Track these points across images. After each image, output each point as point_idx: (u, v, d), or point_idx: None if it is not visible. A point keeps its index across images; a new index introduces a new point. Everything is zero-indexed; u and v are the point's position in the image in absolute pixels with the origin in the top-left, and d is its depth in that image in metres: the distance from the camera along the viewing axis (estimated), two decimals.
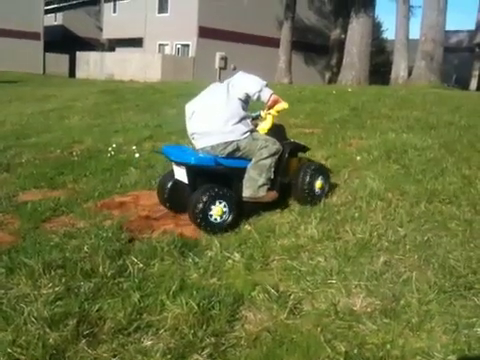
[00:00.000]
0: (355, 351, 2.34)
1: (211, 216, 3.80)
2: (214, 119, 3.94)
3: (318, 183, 4.30)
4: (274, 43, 24.69)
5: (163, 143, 7.13)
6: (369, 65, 20.16)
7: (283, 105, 4.20)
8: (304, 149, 4.60)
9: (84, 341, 2.44)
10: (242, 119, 3.99)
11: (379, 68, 27.74)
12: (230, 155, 3.98)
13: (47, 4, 37.61)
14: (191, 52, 27.71)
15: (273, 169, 4.02)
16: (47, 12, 38.69)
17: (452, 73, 26.65)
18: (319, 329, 2.51)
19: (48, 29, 36.70)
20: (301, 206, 4.22)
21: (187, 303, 2.69)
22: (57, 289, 2.92)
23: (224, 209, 3.84)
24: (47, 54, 35.44)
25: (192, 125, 4.10)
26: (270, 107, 4.22)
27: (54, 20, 42.70)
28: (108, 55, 32.01)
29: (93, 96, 14.18)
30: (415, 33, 25.21)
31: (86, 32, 39.69)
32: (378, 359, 2.28)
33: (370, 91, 12.41)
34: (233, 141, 3.94)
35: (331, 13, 27.06)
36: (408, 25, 19.89)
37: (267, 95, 4.06)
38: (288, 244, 3.50)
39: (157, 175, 5.52)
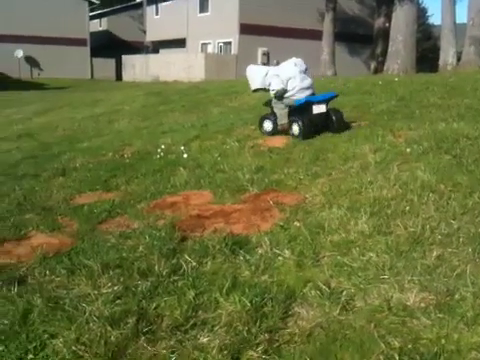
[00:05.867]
0: (409, 346, 2.33)
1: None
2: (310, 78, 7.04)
3: None
4: (317, 35, 24.42)
5: (210, 142, 7.25)
6: (415, 52, 19.58)
7: None
8: None
9: (144, 338, 2.54)
10: None
11: (426, 55, 26.94)
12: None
13: (92, 10, 38.68)
14: (233, 49, 27.84)
15: None
16: (92, 18, 39.81)
17: None
18: (372, 325, 2.52)
19: (94, 35, 37.80)
20: (350, 201, 4.20)
21: (240, 300, 2.75)
22: (116, 288, 3.05)
23: None
24: (94, 59, 36.51)
25: (306, 81, 6.89)
26: None
27: (99, 25, 43.88)
28: (152, 57, 32.64)
29: (140, 99, 14.52)
30: (463, 17, 24.28)
31: (130, 36, 40.55)
32: (433, 354, 2.26)
33: (418, 80, 12.07)
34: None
35: (374, 1, 26.46)
36: (454, 10, 19.14)
37: None
38: (338, 240, 3.50)
39: (205, 174, 5.63)
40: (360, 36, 28.87)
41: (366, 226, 3.62)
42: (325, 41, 22.71)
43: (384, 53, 21.14)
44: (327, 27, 22.59)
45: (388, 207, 3.96)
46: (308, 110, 6.72)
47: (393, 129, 6.47)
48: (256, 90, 7.21)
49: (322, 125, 6.83)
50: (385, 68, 19.80)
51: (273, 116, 7.14)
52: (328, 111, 6.90)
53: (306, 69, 7.04)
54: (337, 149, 5.89)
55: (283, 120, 6.97)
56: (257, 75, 7.02)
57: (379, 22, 23.99)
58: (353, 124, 7.26)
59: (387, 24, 21.80)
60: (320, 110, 6.77)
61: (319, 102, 6.79)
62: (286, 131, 6.98)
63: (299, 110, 6.78)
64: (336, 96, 7.16)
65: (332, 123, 6.86)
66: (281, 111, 6.98)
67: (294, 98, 6.80)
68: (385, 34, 21.65)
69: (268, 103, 7.31)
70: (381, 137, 6.12)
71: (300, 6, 27.22)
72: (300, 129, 6.67)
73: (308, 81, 6.89)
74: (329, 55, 22.60)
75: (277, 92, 6.81)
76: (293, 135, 6.81)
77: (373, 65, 24.76)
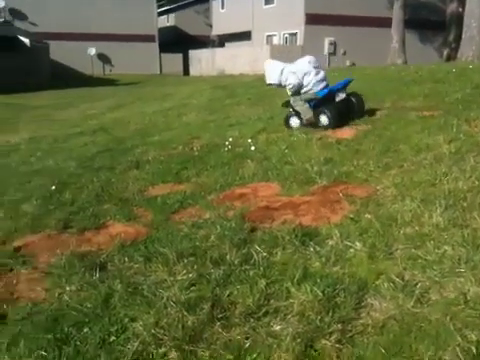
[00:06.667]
0: None
1: None
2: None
3: None
4: (385, 23, 23.69)
5: (277, 135, 7.29)
6: None
7: None
8: None
9: (219, 324, 2.64)
10: None
11: None
12: None
13: (159, 7, 39.61)
14: (299, 40, 27.59)
15: None
16: (160, 14, 40.79)
17: None
18: (448, 318, 2.47)
19: (162, 30, 38.72)
20: (423, 193, 4.09)
21: (312, 290, 2.79)
22: (190, 275, 3.17)
23: None
24: (162, 54, 37.40)
25: (320, 75, 7.20)
26: None
27: (167, 21, 44.88)
28: (218, 51, 32.97)
29: (207, 92, 14.76)
30: None
31: (197, 30, 41.16)
32: None
33: None
34: None
35: None
36: None
37: None
38: (412, 233, 3.43)
39: (273, 166, 5.66)
40: (432, 22, 27.70)
41: (441, 219, 3.52)
42: (395, 29, 22.02)
43: (457, 40, 20.22)
44: (397, 14, 21.87)
45: (464, 199, 3.83)
46: (332, 99, 7.15)
47: (468, 119, 6.21)
48: (270, 84, 7.61)
49: (345, 110, 7.20)
50: (459, 55, 18.93)
51: (297, 113, 7.40)
52: (348, 96, 7.32)
53: (319, 66, 7.42)
54: (409, 140, 5.74)
55: (308, 114, 7.21)
56: (274, 71, 7.35)
57: (452, 7, 22.96)
58: (425, 113, 7.03)
59: (460, 9, 20.83)
60: (341, 97, 7.21)
61: (339, 90, 7.23)
62: (313, 124, 7.19)
63: (323, 101, 7.12)
64: (351, 81, 7.58)
65: (353, 106, 7.34)
66: (302, 107, 7.24)
67: (311, 92, 7.17)
68: (458, 20, 20.69)
69: (287, 104, 7.60)
70: (456, 127, 5.89)
71: None
72: (329, 118, 7.01)
73: (322, 74, 7.26)
74: (399, 43, 21.90)
75: (294, 86, 7.14)
76: (322, 126, 7.06)
77: (446, 52, 23.77)
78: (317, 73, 7.23)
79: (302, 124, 7.35)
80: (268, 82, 7.54)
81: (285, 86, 7.32)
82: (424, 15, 28.23)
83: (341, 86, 7.33)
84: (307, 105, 7.23)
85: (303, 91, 7.22)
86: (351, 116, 7.20)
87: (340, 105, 7.19)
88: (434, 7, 28.80)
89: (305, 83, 7.16)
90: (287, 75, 7.19)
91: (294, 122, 7.46)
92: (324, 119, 7.08)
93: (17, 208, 5.07)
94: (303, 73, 7.15)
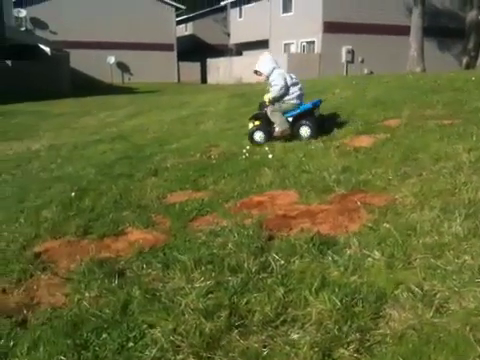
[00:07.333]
0: None
1: None
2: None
3: None
4: (404, 31, 23.61)
5: (294, 143, 7.29)
6: None
7: None
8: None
9: (236, 332, 2.64)
10: None
11: None
12: None
13: (178, 16, 40.03)
14: (317, 48, 27.62)
15: None
16: (178, 23, 41.20)
17: None
18: (468, 328, 2.44)
19: (180, 39, 39.11)
20: (443, 202, 4.06)
21: (330, 299, 2.78)
22: (208, 283, 3.18)
23: None
24: (180, 63, 37.77)
25: (302, 90, 7.51)
26: None
27: (185, 30, 45.29)
28: (236, 60, 33.17)
29: (224, 101, 14.82)
30: None
31: (214, 39, 41.48)
32: None
33: None
34: None
35: None
36: None
37: None
38: (431, 242, 3.40)
39: (290, 175, 5.67)
40: (451, 30, 27.52)
41: (460, 228, 3.48)
42: (413, 36, 21.90)
43: (477, 47, 20.11)
44: (415, 22, 21.75)
45: None
46: (312, 113, 7.55)
47: None
48: (256, 72, 7.60)
49: (321, 124, 7.66)
50: (478, 63, 18.80)
51: (263, 127, 7.55)
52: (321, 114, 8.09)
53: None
54: (428, 148, 5.70)
55: (284, 126, 7.39)
56: (266, 64, 7.51)
57: (471, 15, 22.77)
58: (444, 122, 6.97)
59: None
60: (317, 113, 7.76)
61: (317, 106, 7.76)
62: (287, 137, 7.39)
63: (303, 115, 7.46)
64: (322, 101, 8.21)
65: (324, 122, 7.93)
66: (280, 118, 7.41)
67: (292, 102, 7.44)
68: (478, 27, 20.60)
69: (255, 117, 7.70)
70: (476, 136, 5.84)
71: (386, 1, 26.45)
72: (312, 130, 7.35)
73: (302, 91, 7.59)
74: (417, 51, 21.77)
75: (281, 88, 7.31)
76: (303, 138, 7.34)
77: (465, 60, 23.56)
78: (300, 89, 7.52)
79: (267, 139, 7.47)
80: (256, 68, 7.60)
81: (270, 84, 7.48)
82: (443, 23, 28.07)
83: (319, 104, 7.79)
84: (284, 118, 7.42)
85: (287, 98, 7.42)
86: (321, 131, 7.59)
87: (318, 120, 7.66)
88: (453, 15, 28.62)
89: (291, 91, 7.40)
90: (276, 76, 7.38)
91: (259, 136, 7.56)
92: (306, 130, 7.37)
93: (37, 214, 5.14)
94: (291, 82, 7.42)
